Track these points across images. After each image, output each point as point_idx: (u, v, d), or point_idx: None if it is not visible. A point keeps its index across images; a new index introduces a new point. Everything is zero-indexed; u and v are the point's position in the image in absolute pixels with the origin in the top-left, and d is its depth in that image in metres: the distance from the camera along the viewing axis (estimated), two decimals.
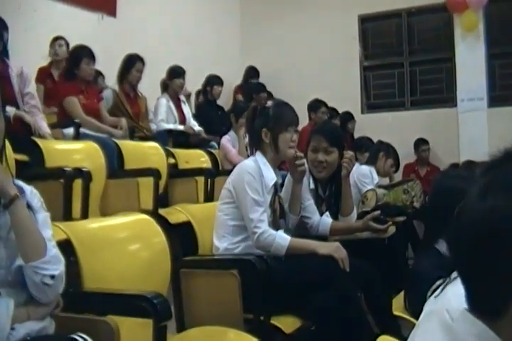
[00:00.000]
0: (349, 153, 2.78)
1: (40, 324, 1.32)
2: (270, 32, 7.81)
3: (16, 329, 1.26)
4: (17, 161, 2.95)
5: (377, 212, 2.66)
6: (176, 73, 5.25)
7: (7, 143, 2.72)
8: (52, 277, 1.31)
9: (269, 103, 2.58)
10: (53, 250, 1.35)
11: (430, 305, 0.85)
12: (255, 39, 7.97)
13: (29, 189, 1.47)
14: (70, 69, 4.23)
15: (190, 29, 7.09)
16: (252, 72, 7.22)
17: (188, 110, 5.49)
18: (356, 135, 6.64)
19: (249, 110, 2.68)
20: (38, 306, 1.33)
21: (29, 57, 4.67)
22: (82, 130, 3.90)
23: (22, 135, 3.34)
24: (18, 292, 1.33)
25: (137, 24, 6.42)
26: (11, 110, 3.46)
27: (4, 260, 1.31)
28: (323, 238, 2.58)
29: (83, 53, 4.23)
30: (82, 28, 5.64)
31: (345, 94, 7.24)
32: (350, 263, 2.19)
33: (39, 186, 2.70)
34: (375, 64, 7.58)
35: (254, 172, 2.37)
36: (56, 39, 4.91)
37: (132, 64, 4.75)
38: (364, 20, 7.56)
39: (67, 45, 4.89)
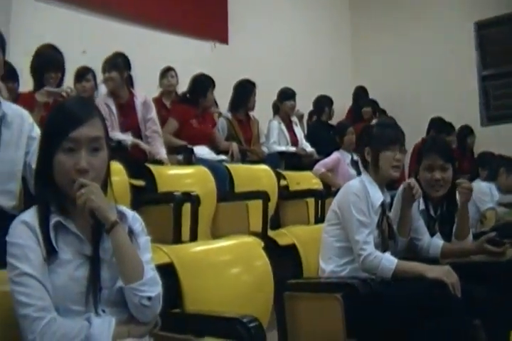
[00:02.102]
0: (466, 183, 2.64)
1: None
2: (381, 46, 7.72)
3: None
4: (134, 186, 3.14)
5: (493, 233, 2.50)
6: (287, 95, 5.32)
7: (123, 170, 2.92)
8: (149, 298, 1.36)
9: (374, 121, 2.56)
10: (151, 273, 1.40)
11: None
12: (366, 55, 7.90)
13: (131, 214, 1.54)
14: (194, 97, 4.40)
15: (301, 51, 7.20)
16: (360, 92, 7.15)
17: (300, 131, 5.53)
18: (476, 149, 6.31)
19: (362, 130, 2.67)
20: (137, 325, 1.38)
21: (149, 88, 4.97)
22: (196, 155, 4.06)
23: (139, 161, 3.54)
24: (120, 311, 1.39)
25: (248, 49, 6.61)
26: (128, 138, 3.69)
27: (107, 281, 1.39)
28: (434, 261, 2.46)
29: (209, 83, 4.44)
30: (195, 56, 5.92)
31: (462, 106, 6.92)
32: (463, 288, 2.07)
33: (152, 210, 2.90)
34: (494, 73, 7.17)
35: (360, 192, 2.33)
36: (167, 70, 5.15)
37: (251, 90, 4.87)
38: (481, 27, 7.20)
39: (177, 74, 5.13)
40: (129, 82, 3.99)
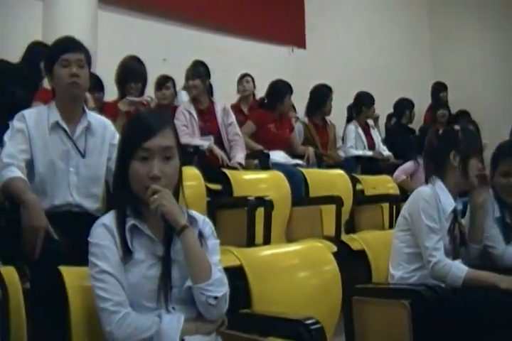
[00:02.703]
0: None
1: (206, 338, 1.46)
2: (462, 46, 7.51)
3: None
4: (210, 190, 3.27)
5: None
6: (365, 100, 5.30)
7: (199, 174, 3.05)
8: (216, 298, 1.43)
9: (457, 127, 2.53)
10: (218, 274, 1.48)
11: None
12: (446, 55, 7.70)
13: (202, 218, 1.63)
14: (272, 102, 4.51)
15: (379, 53, 7.13)
16: (439, 87, 6.96)
17: (377, 135, 5.50)
18: None
19: (430, 133, 2.65)
20: (205, 322, 1.47)
21: (228, 94, 5.11)
22: (272, 160, 4.14)
23: (216, 166, 3.67)
24: (189, 308, 1.48)
25: (326, 53, 6.63)
26: (205, 143, 3.84)
27: (178, 280, 1.48)
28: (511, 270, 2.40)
29: (287, 89, 4.53)
30: (273, 62, 6.01)
31: None
32: None
33: (227, 213, 3.01)
34: None
35: (430, 198, 2.31)
36: (243, 76, 5.29)
37: (327, 95, 4.91)
38: None
39: (253, 80, 5.24)
40: (210, 90, 4.15)
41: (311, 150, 4.58)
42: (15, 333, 1.40)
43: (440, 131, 3.08)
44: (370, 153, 5.19)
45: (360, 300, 2.18)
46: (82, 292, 1.54)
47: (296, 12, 6.96)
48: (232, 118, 4.08)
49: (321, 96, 4.92)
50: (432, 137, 2.57)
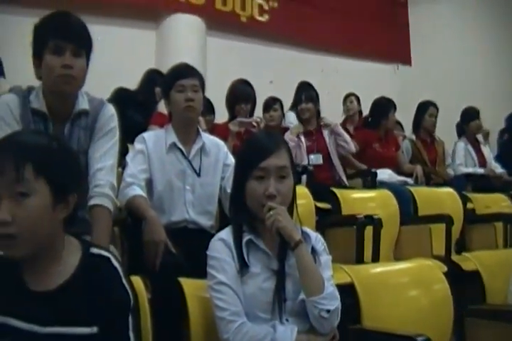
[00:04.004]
0: None
1: None
2: None
3: None
4: (319, 209, 3.32)
5: None
6: (471, 115, 5.16)
7: (308, 193, 3.12)
8: (328, 311, 1.48)
9: None
10: (330, 288, 1.53)
11: None
12: None
13: (314, 235, 1.70)
14: (376, 119, 4.54)
15: (483, 69, 6.88)
16: None
17: (488, 151, 5.31)
18: None
19: None
20: (317, 335, 1.52)
21: (335, 115, 5.16)
22: (379, 178, 4.13)
23: (325, 185, 3.72)
24: (302, 321, 1.54)
25: (432, 69, 6.51)
26: (316, 158, 3.92)
27: (291, 293, 1.55)
28: None
29: (390, 105, 4.55)
30: (378, 80, 5.99)
31: None
32: None
33: (336, 232, 3.04)
34: None
35: None
36: (347, 96, 5.33)
37: (424, 110, 4.85)
38: None
39: (358, 99, 5.25)
40: (318, 113, 4.23)
41: (419, 168, 4.53)
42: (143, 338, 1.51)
43: None
44: (481, 170, 5.02)
45: (473, 322, 2.12)
46: (201, 302, 1.65)
47: (401, 29, 6.92)
48: (344, 137, 4.15)
49: (421, 110, 4.87)
50: None
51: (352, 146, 4.14)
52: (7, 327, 1.18)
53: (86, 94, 2.03)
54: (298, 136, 4.04)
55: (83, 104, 1.99)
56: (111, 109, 2.07)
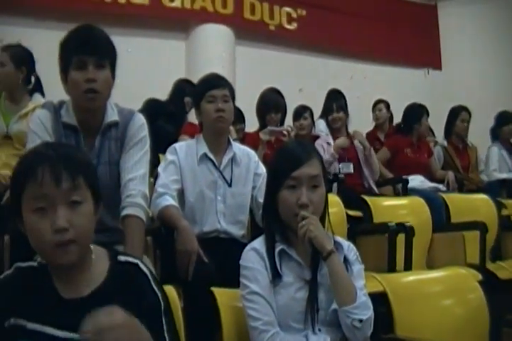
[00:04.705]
0: None
1: None
2: None
3: None
4: (351, 216, 3.31)
5: None
6: (505, 119, 5.09)
7: (339, 201, 3.11)
8: (361, 321, 1.48)
9: None
10: (363, 298, 1.53)
11: None
12: None
13: (347, 244, 1.69)
14: (409, 125, 4.51)
15: None
16: None
17: None
18: None
19: None
20: None
21: (365, 122, 5.14)
22: (410, 185, 4.09)
23: (356, 192, 3.71)
24: (334, 331, 1.54)
25: (463, 73, 6.43)
26: (348, 170, 3.91)
27: (324, 303, 1.55)
28: None
29: (422, 110, 4.52)
30: (408, 85, 5.94)
31: None
32: None
33: (367, 240, 3.02)
34: None
35: None
36: (376, 103, 5.29)
37: (456, 115, 4.80)
38: None
39: (388, 106, 5.21)
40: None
41: (451, 174, 4.47)
42: None
43: None
44: None
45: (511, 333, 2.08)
46: (233, 311, 1.66)
47: (431, 33, 6.87)
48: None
49: (451, 115, 4.84)
50: None
51: (376, 174, 4.11)
52: (44, 336, 1.20)
53: (115, 105, 2.06)
54: (328, 144, 4.03)
55: (113, 115, 2.02)
56: (141, 119, 2.09)
